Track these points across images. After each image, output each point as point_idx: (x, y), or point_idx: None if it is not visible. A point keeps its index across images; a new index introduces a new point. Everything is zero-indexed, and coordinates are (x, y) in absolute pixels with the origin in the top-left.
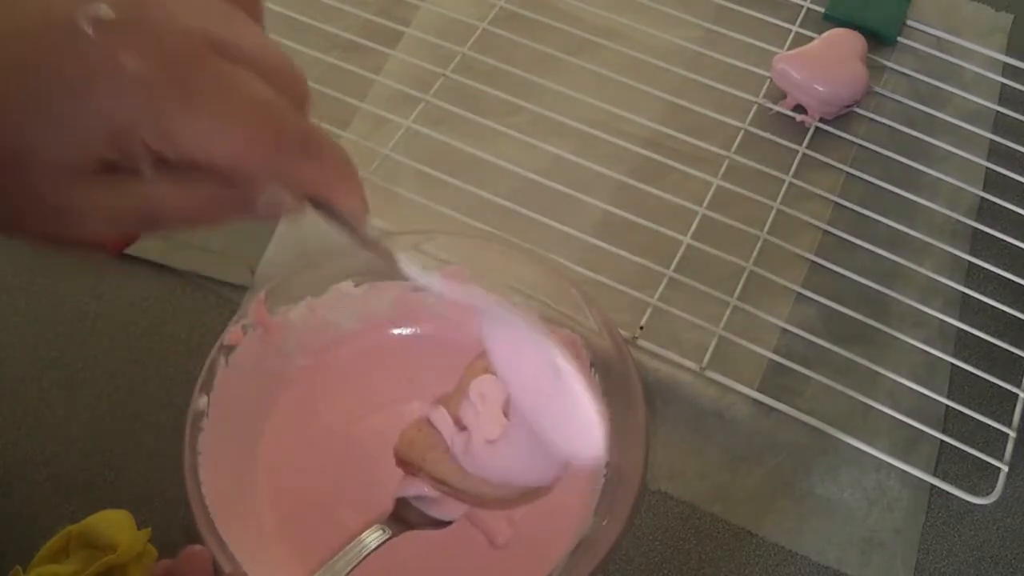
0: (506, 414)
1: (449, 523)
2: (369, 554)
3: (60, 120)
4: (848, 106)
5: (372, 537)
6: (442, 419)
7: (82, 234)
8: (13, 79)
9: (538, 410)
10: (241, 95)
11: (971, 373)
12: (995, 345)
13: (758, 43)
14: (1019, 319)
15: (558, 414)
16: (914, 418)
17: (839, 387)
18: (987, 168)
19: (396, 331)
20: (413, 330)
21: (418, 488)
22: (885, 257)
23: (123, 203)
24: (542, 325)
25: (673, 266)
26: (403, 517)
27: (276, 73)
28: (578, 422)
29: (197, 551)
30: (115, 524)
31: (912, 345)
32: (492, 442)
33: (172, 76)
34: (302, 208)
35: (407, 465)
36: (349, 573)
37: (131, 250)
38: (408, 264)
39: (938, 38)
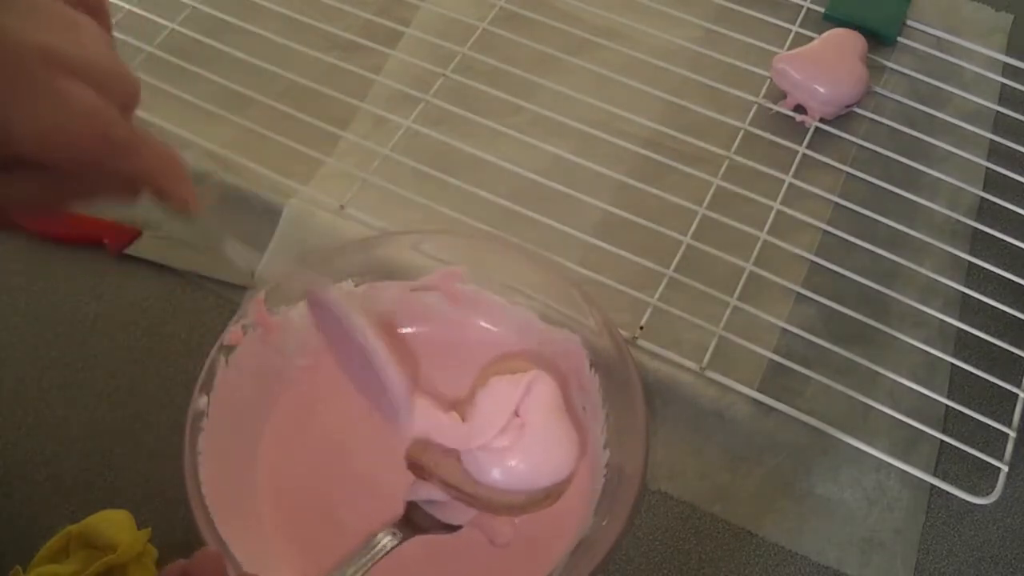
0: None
1: (458, 527)
2: (381, 558)
3: None
4: (848, 106)
5: (384, 541)
6: None
7: None
8: None
9: (357, 379)
10: (69, 102)
11: (971, 373)
12: (995, 345)
13: (758, 43)
14: (1019, 319)
15: (372, 383)
16: (914, 418)
17: (839, 387)
18: (987, 168)
19: (396, 331)
20: (413, 330)
21: (429, 492)
22: (885, 257)
23: None
24: (355, 309)
25: (673, 266)
26: (413, 521)
27: (106, 80)
28: (386, 389)
29: (211, 552)
30: (115, 524)
31: (912, 345)
32: (502, 450)
33: (5, 87)
34: (136, 199)
35: (419, 469)
36: None
37: (131, 250)
38: (235, 250)
39: (938, 38)
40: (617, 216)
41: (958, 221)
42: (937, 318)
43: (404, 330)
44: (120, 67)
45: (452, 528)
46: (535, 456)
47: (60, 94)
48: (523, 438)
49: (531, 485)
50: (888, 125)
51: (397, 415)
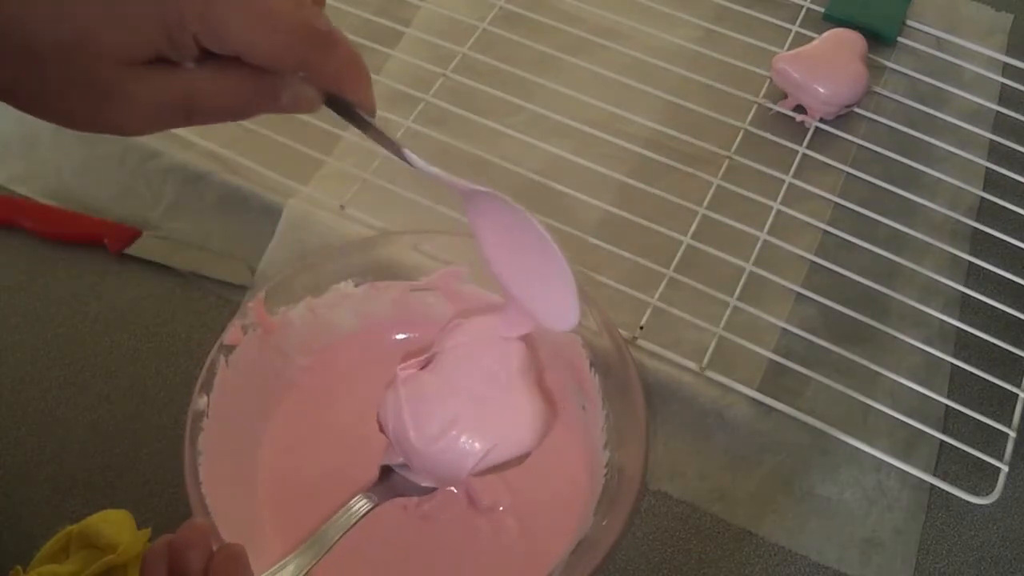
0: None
1: (433, 489)
2: (357, 522)
3: (119, 10)
4: (848, 106)
5: (359, 505)
6: None
7: (123, 121)
8: None
9: (520, 285)
10: None
11: (971, 373)
12: (995, 345)
13: (758, 43)
14: (1019, 319)
15: (538, 289)
16: (914, 418)
17: (839, 387)
18: (987, 168)
19: (396, 331)
20: (413, 330)
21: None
22: (885, 257)
23: (166, 93)
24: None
25: (673, 266)
26: (389, 484)
27: None
28: (556, 295)
29: (197, 524)
30: (115, 524)
31: (912, 345)
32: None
33: None
34: (320, 103)
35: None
36: (338, 540)
37: (131, 250)
38: (414, 156)
39: (938, 38)
40: (617, 216)
41: (958, 221)
42: (937, 318)
43: (404, 330)
44: None
45: (427, 490)
46: (492, 437)
47: None
48: (477, 417)
49: (491, 463)
50: (888, 125)
51: (566, 311)
